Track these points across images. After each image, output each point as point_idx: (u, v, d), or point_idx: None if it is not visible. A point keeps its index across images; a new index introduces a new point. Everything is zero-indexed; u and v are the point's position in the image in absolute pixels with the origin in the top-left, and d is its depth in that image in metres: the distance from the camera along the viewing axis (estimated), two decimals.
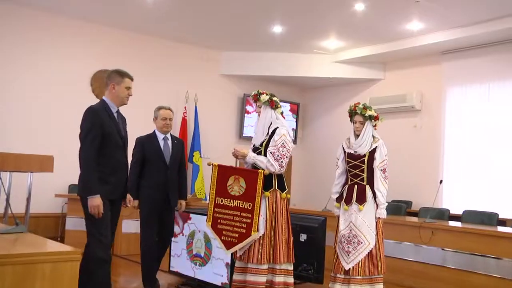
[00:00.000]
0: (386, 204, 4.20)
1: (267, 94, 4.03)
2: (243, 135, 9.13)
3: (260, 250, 3.74)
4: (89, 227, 3.34)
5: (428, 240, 5.28)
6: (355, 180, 4.21)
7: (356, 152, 4.22)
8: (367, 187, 4.16)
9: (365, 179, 4.18)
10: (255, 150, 3.96)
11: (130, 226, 6.51)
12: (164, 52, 8.28)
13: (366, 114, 4.23)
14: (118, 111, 3.52)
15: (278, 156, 3.83)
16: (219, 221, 3.81)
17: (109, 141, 3.34)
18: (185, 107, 8.44)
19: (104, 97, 3.49)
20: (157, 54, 8.21)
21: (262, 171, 3.73)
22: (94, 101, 7.36)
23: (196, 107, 8.52)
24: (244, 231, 3.72)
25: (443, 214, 6.47)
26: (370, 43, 8.05)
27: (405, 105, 8.08)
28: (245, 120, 9.23)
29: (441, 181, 6.43)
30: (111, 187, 3.35)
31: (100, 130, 3.30)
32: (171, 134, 4.52)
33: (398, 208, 6.92)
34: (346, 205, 4.17)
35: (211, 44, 8.58)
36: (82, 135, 3.31)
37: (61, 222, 7.05)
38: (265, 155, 3.86)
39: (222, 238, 3.81)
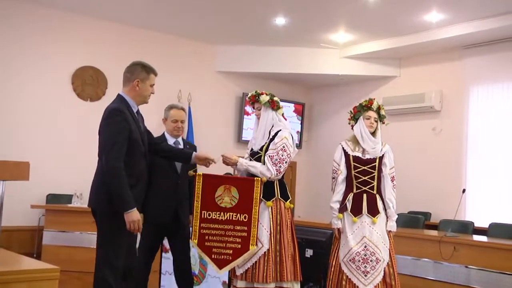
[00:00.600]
0: (397, 216, 4.23)
1: (267, 94, 4.05)
2: (242, 138, 9.14)
3: (265, 267, 3.75)
4: (102, 247, 3.19)
5: (450, 257, 5.25)
6: (364, 188, 4.17)
7: (365, 156, 4.20)
8: (377, 197, 4.16)
9: (375, 187, 4.16)
10: (254, 155, 3.97)
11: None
12: (152, 46, 8.28)
13: (381, 113, 4.26)
14: (138, 111, 3.44)
15: (276, 160, 3.86)
16: (207, 237, 3.77)
17: (134, 148, 3.23)
18: None
19: (123, 94, 3.35)
20: (143, 48, 8.18)
21: (259, 178, 3.76)
22: (77, 101, 7.62)
23: (189, 108, 8.51)
24: (240, 246, 3.72)
25: (467, 227, 6.45)
26: (384, 37, 8.06)
27: (423, 105, 8.10)
28: (244, 122, 9.26)
29: (464, 190, 6.40)
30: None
31: (127, 135, 3.18)
32: (183, 139, 4.39)
33: (415, 220, 6.90)
34: (355, 216, 4.12)
35: (206, 37, 8.59)
36: (107, 141, 3.16)
37: (38, 236, 7.00)
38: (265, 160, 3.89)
39: (213, 256, 3.77)
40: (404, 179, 8.00)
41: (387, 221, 4.14)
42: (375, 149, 4.19)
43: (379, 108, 4.26)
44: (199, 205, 3.80)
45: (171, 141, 4.28)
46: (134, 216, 3.11)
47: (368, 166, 4.17)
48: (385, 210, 4.15)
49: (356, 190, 4.19)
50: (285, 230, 3.84)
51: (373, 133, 4.23)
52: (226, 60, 9.03)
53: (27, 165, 4.01)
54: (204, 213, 3.76)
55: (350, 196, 4.19)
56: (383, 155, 4.19)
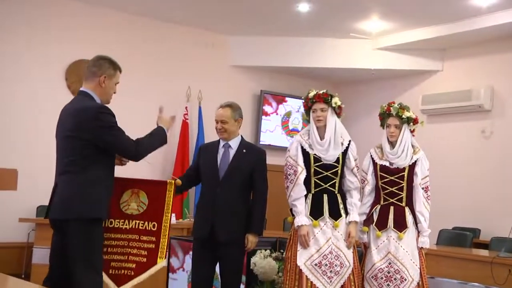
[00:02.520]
0: (430, 231, 4.29)
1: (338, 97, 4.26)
2: (260, 142, 9.14)
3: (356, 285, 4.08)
4: (84, 264, 3.34)
5: (504, 281, 5.16)
6: (391, 200, 4.28)
7: (392, 165, 4.31)
8: (407, 209, 4.26)
9: (404, 199, 4.26)
10: (328, 168, 4.11)
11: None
12: (157, 37, 8.31)
13: (403, 116, 4.31)
14: None
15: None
16: (105, 249, 3.64)
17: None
18: (186, 108, 8.47)
19: (88, 91, 3.49)
20: (147, 39, 8.23)
21: (173, 181, 3.82)
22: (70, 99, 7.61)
23: (200, 107, 8.54)
24: (145, 259, 3.67)
25: None
26: (424, 24, 8.00)
27: (470, 104, 8.04)
28: (263, 124, 9.26)
29: None
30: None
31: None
32: (242, 142, 4.33)
33: (461, 237, 6.81)
34: (379, 230, 4.23)
35: (219, 27, 8.62)
36: (113, 131, 3.43)
37: (26, 254, 6.98)
38: (342, 173, 4.14)
39: (111, 272, 3.67)
40: (448, 190, 7.93)
41: (418, 236, 4.23)
42: (401, 157, 4.29)
43: (402, 110, 4.33)
44: None
45: (222, 143, 4.31)
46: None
47: (396, 176, 4.28)
48: (416, 224, 4.24)
49: (383, 202, 4.31)
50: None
51: (397, 141, 4.33)
52: (242, 53, 9.05)
53: (15, 172, 4.01)
54: (106, 221, 3.63)
55: (377, 208, 4.32)
56: (414, 163, 4.28)
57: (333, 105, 4.17)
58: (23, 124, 7.28)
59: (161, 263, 3.69)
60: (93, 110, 3.36)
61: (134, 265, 3.66)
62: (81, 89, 3.52)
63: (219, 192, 4.11)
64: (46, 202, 7.23)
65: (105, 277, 3.61)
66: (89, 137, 3.33)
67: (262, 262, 4.76)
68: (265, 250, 4.93)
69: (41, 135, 7.38)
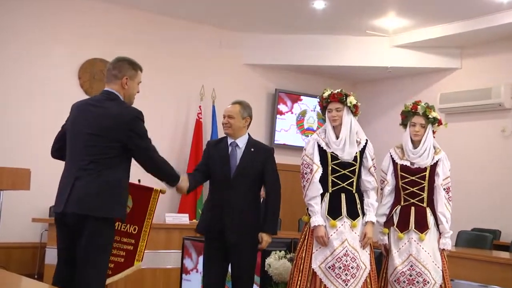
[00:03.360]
0: (451, 232, 4.29)
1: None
2: (275, 141, 9.11)
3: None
4: (95, 264, 3.45)
5: None
6: (412, 201, 4.28)
7: (413, 164, 4.31)
8: (428, 210, 4.26)
9: (425, 199, 4.26)
10: (345, 166, 4.13)
11: None
12: (170, 35, 8.31)
13: (429, 116, 4.31)
14: None
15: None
16: None
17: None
18: (199, 107, 8.47)
19: (113, 91, 3.60)
20: (160, 37, 8.23)
21: (158, 190, 3.88)
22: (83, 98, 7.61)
23: (213, 106, 8.55)
24: (123, 260, 3.79)
25: None
26: (442, 21, 7.96)
27: (490, 102, 7.98)
28: (277, 123, 9.23)
29: None
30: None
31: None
32: (249, 140, 4.33)
33: (481, 239, 6.77)
34: (401, 232, 4.24)
35: (232, 24, 8.60)
36: (146, 140, 3.61)
37: (40, 254, 7.01)
38: (359, 172, 4.16)
39: None
40: (467, 191, 7.88)
41: (439, 238, 4.23)
42: (422, 157, 4.30)
43: (426, 111, 4.32)
44: None
45: (229, 141, 4.30)
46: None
47: (417, 176, 4.28)
48: (438, 225, 4.24)
49: (403, 202, 4.31)
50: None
51: (421, 141, 4.33)
52: (256, 51, 9.04)
53: (28, 172, 4.06)
54: None
55: (397, 209, 4.32)
56: (435, 163, 4.29)
57: (348, 104, 4.19)
58: (35, 124, 7.30)
59: (137, 265, 3.82)
60: (132, 115, 3.53)
61: (112, 265, 3.75)
62: (106, 88, 3.63)
63: (229, 192, 4.12)
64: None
65: None
66: (122, 139, 3.47)
67: (277, 263, 4.77)
68: (280, 251, 4.94)
69: (54, 134, 7.43)
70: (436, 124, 4.36)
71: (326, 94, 4.25)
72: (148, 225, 3.82)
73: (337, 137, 4.17)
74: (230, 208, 4.09)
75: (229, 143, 4.27)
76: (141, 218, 3.82)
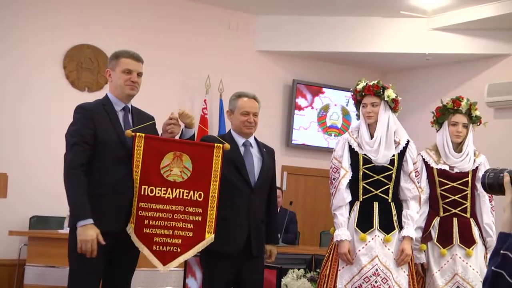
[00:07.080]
0: None
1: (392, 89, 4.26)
2: (292, 141, 9.14)
3: None
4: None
5: None
6: (454, 211, 4.29)
7: (453, 169, 4.32)
8: (472, 222, 4.28)
9: (468, 209, 4.29)
10: (375, 170, 4.09)
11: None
12: (170, 18, 8.34)
13: (473, 115, 4.34)
14: (127, 108, 3.81)
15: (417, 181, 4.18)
16: (146, 222, 3.78)
17: (102, 152, 3.63)
18: (204, 100, 8.49)
19: (108, 91, 3.82)
20: (158, 20, 8.24)
21: (221, 145, 3.90)
22: (70, 91, 7.57)
23: (221, 100, 8.56)
24: (192, 234, 3.80)
25: None
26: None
27: None
28: (295, 120, 9.21)
29: None
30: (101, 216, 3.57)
31: (89, 136, 3.62)
32: (256, 139, 4.40)
33: None
34: (443, 247, 4.22)
35: (243, 5, 8.61)
36: (66, 142, 3.63)
37: (18, 272, 7.04)
38: (397, 178, 4.11)
39: (155, 248, 3.79)
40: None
41: (486, 253, 4.23)
42: (465, 161, 4.32)
43: (470, 108, 4.34)
44: (138, 178, 3.79)
45: (240, 141, 4.28)
46: (87, 232, 3.45)
47: (459, 182, 4.30)
48: (483, 239, 4.27)
49: (443, 213, 4.31)
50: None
51: (462, 143, 4.35)
52: (271, 36, 9.06)
53: (5, 177, 3.94)
54: (144, 188, 3.77)
55: (436, 221, 4.32)
56: (477, 167, 4.32)
57: (386, 98, 4.18)
58: (12, 122, 7.33)
59: (209, 237, 3.82)
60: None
61: (180, 241, 3.79)
62: None
63: (252, 200, 4.15)
64: (40, 211, 7.31)
65: (149, 254, 3.78)
66: None
67: (295, 283, 4.79)
68: (299, 269, 4.89)
69: (34, 134, 7.40)
70: (477, 124, 4.41)
71: (360, 86, 4.24)
72: (215, 189, 3.82)
73: (372, 137, 4.17)
74: (255, 218, 4.16)
75: (240, 143, 4.26)
76: (205, 181, 3.81)
